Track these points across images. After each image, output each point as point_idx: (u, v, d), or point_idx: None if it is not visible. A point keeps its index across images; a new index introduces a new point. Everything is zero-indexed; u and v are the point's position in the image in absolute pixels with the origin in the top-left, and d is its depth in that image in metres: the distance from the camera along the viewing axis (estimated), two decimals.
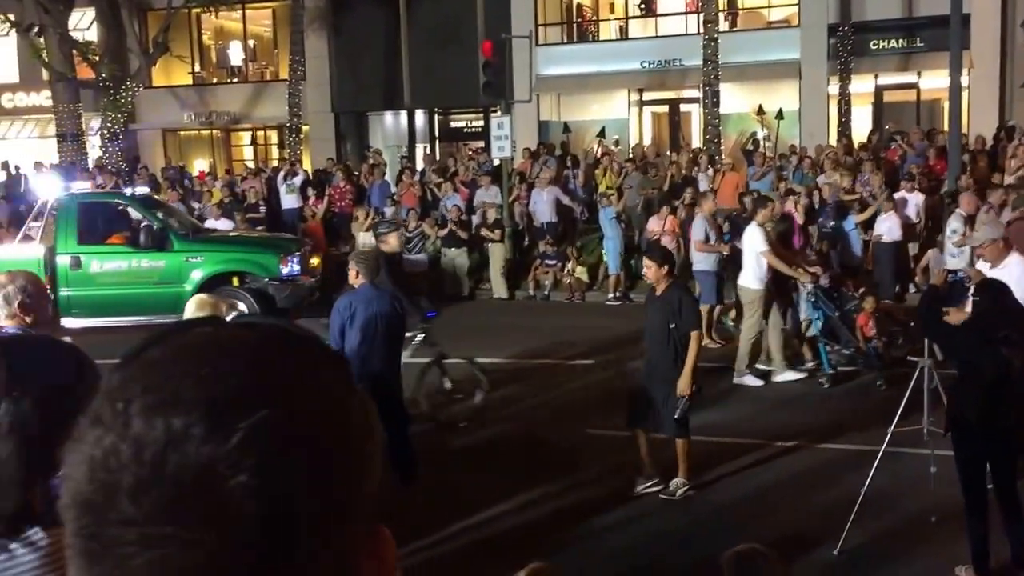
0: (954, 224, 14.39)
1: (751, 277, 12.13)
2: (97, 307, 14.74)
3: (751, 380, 12.10)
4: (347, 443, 0.84)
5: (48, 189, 15.91)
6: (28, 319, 4.74)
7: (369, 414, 0.89)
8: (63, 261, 14.84)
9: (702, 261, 14.65)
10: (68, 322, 14.74)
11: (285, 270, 15.01)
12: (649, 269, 8.54)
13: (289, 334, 0.89)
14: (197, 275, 14.77)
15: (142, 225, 15.13)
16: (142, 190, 17.72)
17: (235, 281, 15.04)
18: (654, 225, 18.68)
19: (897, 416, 7.42)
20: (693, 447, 8.57)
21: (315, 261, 16.41)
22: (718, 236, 15.14)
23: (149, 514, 0.76)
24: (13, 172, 27.79)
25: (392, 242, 10.66)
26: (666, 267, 8.52)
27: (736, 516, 7.97)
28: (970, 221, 14.11)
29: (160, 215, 15.63)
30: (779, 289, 12.32)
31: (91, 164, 28.56)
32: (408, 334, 10.03)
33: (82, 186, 17.25)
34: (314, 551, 0.80)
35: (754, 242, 12.00)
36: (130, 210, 15.81)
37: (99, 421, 0.80)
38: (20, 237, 15.44)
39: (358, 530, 0.85)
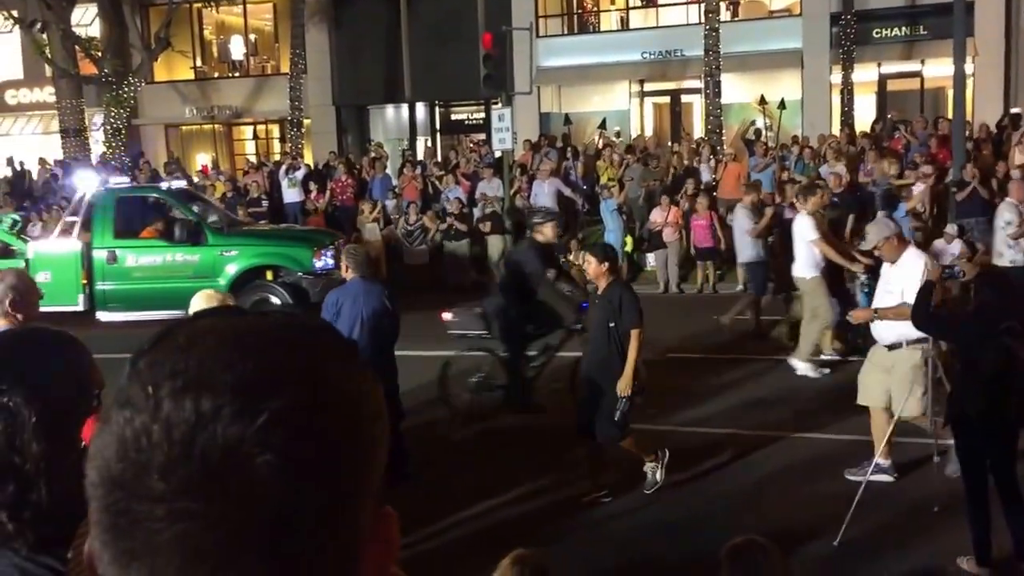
0: (1007, 215, 14.00)
1: (805, 266, 11.78)
2: (133, 301, 14.69)
3: (810, 371, 11.80)
4: (359, 426, 0.87)
5: (86, 183, 15.91)
6: (19, 316, 4.77)
7: (378, 399, 0.92)
8: (99, 255, 14.89)
9: (748, 252, 14.41)
10: (104, 316, 14.77)
11: (319, 264, 14.92)
12: (589, 265, 8.16)
13: (301, 322, 0.93)
14: (231, 269, 14.77)
15: (177, 219, 15.12)
16: (179, 184, 17.65)
17: (269, 275, 15.00)
18: (657, 216, 18.65)
19: (900, 406, 7.37)
20: (690, 439, 8.47)
21: None
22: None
23: (178, 490, 0.79)
24: (18, 168, 27.81)
25: (548, 232, 10.44)
26: (606, 264, 8.08)
27: (735, 507, 7.91)
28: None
29: (195, 209, 15.60)
30: (829, 280, 12.02)
31: (94, 159, 28.59)
32: (569, 327, 10.13)
33: (120, 181, 17.16)
34: (330, 529, 0.83)
35: (804, 231, 11.76)
36: (166, 204, 15.79)
37: (129, 403, 0.83)
38: (58, 231, 15.50)
39: (366, 512, 0.88)
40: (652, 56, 27.28)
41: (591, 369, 8.17)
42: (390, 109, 31.98)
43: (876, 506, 7.39)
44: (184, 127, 34.00)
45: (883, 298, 8.10)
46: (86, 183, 15.94)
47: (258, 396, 0.82)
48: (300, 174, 23.15)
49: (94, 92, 29.54)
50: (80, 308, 14.72)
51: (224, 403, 0.81)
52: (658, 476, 8.22)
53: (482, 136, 27.34)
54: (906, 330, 7.57)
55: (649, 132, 27.45)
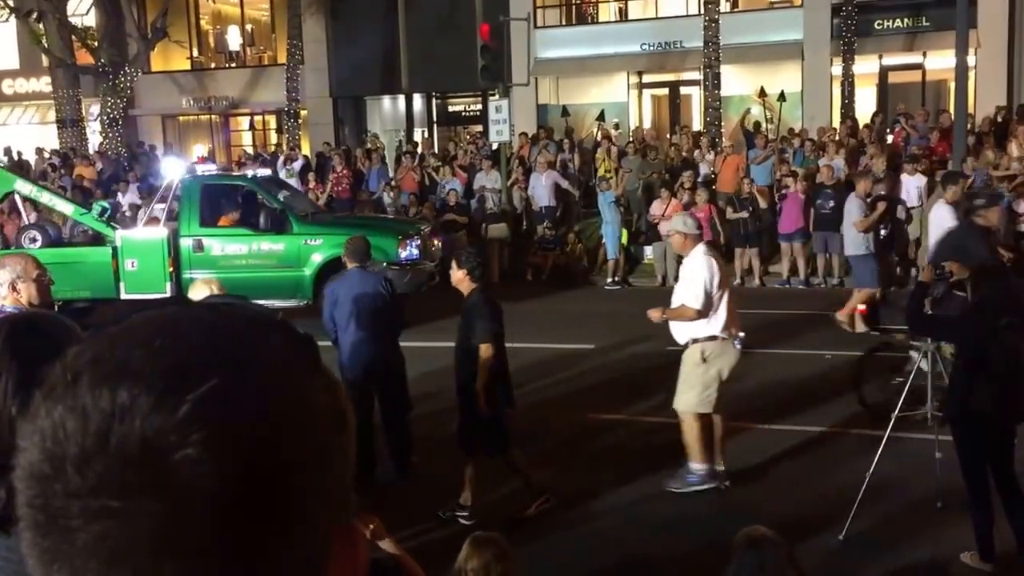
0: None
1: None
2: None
3: None
4: (304, 428, 0.81)
5: (173, 170, 15.82)
6: (23, 299, 4.88)
7: (336, 400, 0.86)
8: (186, 243, 14.85)
9: (857, 245, 13.98)
10: None
11: (404, 254, 14.71)
12: (452, 273, 7.64)
13: (250, 313, 0.88)
14: (317, 258, 14.60)
15: (263, 207, 15.01)
16: (264, 172, 17.50)
17: None
18: (656, 209, 18.57)
19: (901, 401, 7.32)
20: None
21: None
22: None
23: (94, 486, 0.74)
24: (15, 157, 27.69)
25: (992, 218, 9.67)
26: (464, 270, 7.50)
27: (738, 502, 7.87)
28: None
29: (281, 197, 15.46)
30: None
31: (92, 149, 28.56)
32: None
33: (207, 168, 17.07)
34: (267, 538, 0.77)
35: (944, 221, 11.56)
36: (252, 192, 15.63)
37: (51, 393, 0.79)
38: (146, 219, 15.42)
39: (322, 523, 0.82)
40: (651, 47, 27.15)
41: (459, 383, 7.64)
42: (387, 100, 31.88)
43: (880, 501, 7.36)
44: (181, 117, 33.95)
45: (677, 295, 8.26)
46: (173, 170, 15.84)
47: (181, 386, 0.76)
48: (298, 165, 23.07)
49: (91, 82, 29.54)
50: (167, 296, 14.69)
51: (143, 392, 0.76)
52: (451, 515, 7.64)
53: (479, 128, 27.21)
54: (692, 330, 7.95)
55: (648, 124, 27.32)
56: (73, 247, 15.67)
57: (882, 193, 15.69)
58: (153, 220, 15.43)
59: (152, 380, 0.76)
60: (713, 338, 7.98)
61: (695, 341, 8.02)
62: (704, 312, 7.87)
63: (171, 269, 14.72)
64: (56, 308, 14.89)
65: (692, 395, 8.06)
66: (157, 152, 28.59)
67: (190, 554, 0.75)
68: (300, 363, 0.85)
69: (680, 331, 8.13)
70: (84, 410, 0.76)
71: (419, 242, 14.95)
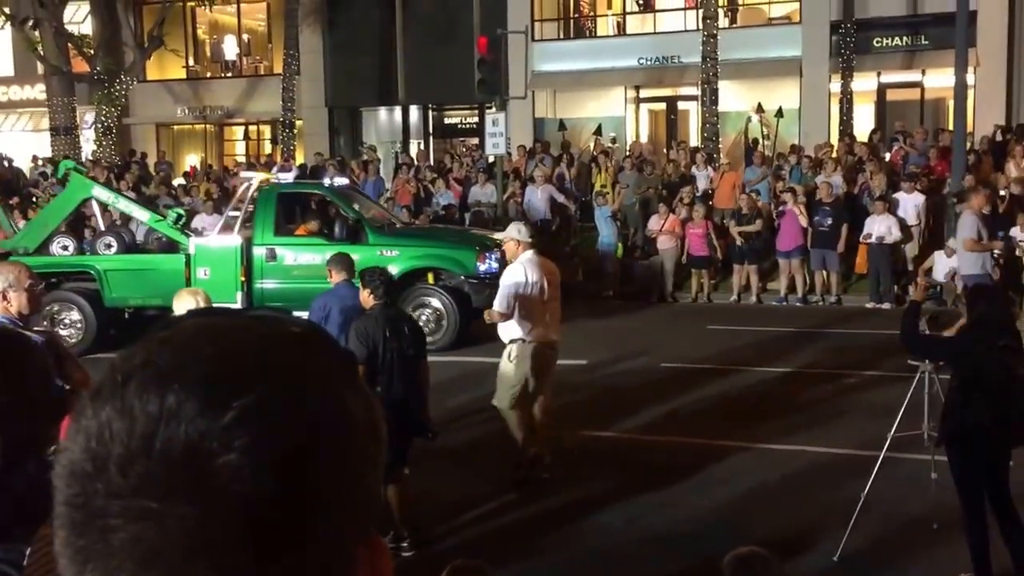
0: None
1: None
2: (291, 301, 13.81)
3: None
4: (344, 438, 0.83)
5: (249, 178, 15.54)
6: (12, 309, 4.92)
7: (374, 415, 0.88)
8: (259, 252, 14.45)
9: (971, 264, 13.05)
10: None
11: (483, 267, 14.23)
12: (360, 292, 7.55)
13: (296, 326, 0.89)
14: (392, 270, 13.92)
15: (337, 217, 14.66)
16: (341, 181, 17.11)
17: (430, 278, 14.42)
18: (654, 224, 18.46)
19: (897, 421, 7.23)
20: (681, 447, 8.20)
21: None
22: (990, 234, 13.39)
23: (136, 487, 0.75)
24: (7, 164, 27.55)
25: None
26: (367, 290, 7.35)
27: (732, 521, 7.75)
28: None
29: (356, 207, 15.01)
30: None
31: (85, 158, 28.43)
32: None
33: (284, 177, 16.78)
34: (302, 547, 0.78)
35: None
36: (326, 201, 15.35)
37: (99, 394, 0.80)
38: (220, 227, 15.14)
39: (350, 534, 0.83)
40: (649, 62, 27.06)
41: None
42: (383, 111, 31.76)
43: (875, 521, 7.27)
44: (175, 127, 33.82)
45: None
46: (249, 178, 15.53)
47: (228, 392, 0.78)
48: (292, 176, 22.83)
49: (86, 90, 29.52)
50: (238, 306, 14.15)
51: (190, 397, 0.77)
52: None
53: (475, 140, 27.10)
54: (507, 331, 8.44)
55: (645, 139, 27.21)
56: (147, 254, 15.38)
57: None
58: (227, 228, 14.99)
59: (200, 386, 0.77)
60: (522, 341, 8.40)
61: (511, 342, 8.47)
62: (507, 315, 8.32)
63: (243, 279, 14.36)
64: (127, 315, 14.72)
65: (501, 392, 8.56)
66: (148, 160, 28.44)
67: (224, 558, 0.75)
68: (342, 378, 0.87)
69: (501, 332, 8.59)
70: (132, 412, 0.77)
71: (499, 255, 14.09)
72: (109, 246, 15.07)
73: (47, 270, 12.96)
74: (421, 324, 13.38)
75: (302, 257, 14.40)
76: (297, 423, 0.79)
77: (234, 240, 14.51)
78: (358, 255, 13.83)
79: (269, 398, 0.78)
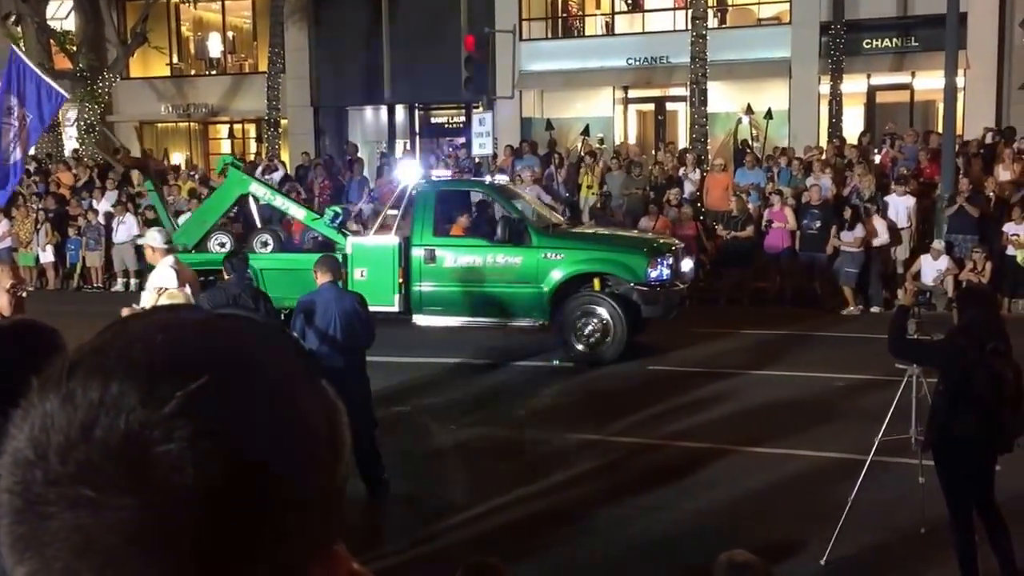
0: None
1: None
2: (450, 304, 13.62)
3: None
4: (294, 438, 0.80)
5: (408, 175, 14.87)
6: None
7: (333, 419, 0.86)
8: (418, 253, 13.75)
9: None
10: (421, 320, 13.72)
11: (654, 274, 13.24)
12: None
13: (261, 326, 0.88)
14: (556, 275, 13.35)
15: (499, 217, 14.03)
16: (501, 178, 16.42)
17: (596, 284, 13.48)
18: (645, 225, 18.32)
19: (884, 425, 7.18)
20: (670, 453, 8.17)
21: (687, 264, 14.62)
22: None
23: (74, 475, 0.75)
24: None
25: None
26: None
27: (719, 524, 7.75)
28: None
29: (519, 206, 14.27)
30: None
31: (67, 154, 28.23)
32: None
33: (442, 173, 16.18)
34: (243, 540, 0.76)
35: None
36: (487, 200, 14.85)
37: (46, 383, 0.80)
38: (377, 226, 14.59)
39: (300, 543, 0.80)
40: (637, 62, 26.90)
41: None
42: (369, 111, 31.54)
43: (863, 526, 7.25)
44: (159, 124, 33.52)
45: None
46: (408, 175, 14.87)
47: (172, 382, 0.76)
48: (278, 176, 22.63)
49: (68, 87, 29.04)
50: (396, 309, 13.62)
51: (134, 386, 0.76)
52: None
53: (462, 140, 26.91)
54: None
55: (633, 139, 27.07)
56: (303, 253, 14.60)
57: None
58: (384, 228, 14.42)
59: (143, 375, 0.76)
60: None
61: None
62: None
63: (400, 280, 13.72)
64: (282, 316, 13.57)
65: None
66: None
67: (163, 552, 0.74)
68: (297, 377, 0.84)
69: None
70: (74, 400, 0.76)
71: (671, 261, 13.56)
72: (265, 244, 14.56)
73: (206, 267, 12.35)
74: (585, 335, 13.23)
75: (462, 259, 13.67)
76: (242, 416, 0.77)
77: (392, 240, 13.83)
78: (521, 257, 13.38)
79: (213, 389, 0.76)
